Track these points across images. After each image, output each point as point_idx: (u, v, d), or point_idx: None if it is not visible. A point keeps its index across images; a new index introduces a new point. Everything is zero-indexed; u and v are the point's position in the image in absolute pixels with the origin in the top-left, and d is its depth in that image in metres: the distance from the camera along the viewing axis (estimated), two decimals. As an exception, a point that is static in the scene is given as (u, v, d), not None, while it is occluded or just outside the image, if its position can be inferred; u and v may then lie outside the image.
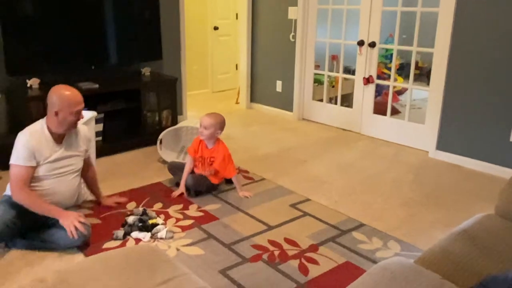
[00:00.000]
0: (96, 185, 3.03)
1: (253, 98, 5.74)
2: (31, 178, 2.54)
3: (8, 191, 2.58)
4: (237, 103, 6.00)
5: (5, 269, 2.33)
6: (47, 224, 2.58)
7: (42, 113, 3.50)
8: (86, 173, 2.94)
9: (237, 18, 6.63)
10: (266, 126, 4.98)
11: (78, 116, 2.61)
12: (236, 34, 6.58)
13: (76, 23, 3.95)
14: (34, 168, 2.53)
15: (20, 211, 2.47)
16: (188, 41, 4.96)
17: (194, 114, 5.37)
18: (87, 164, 2.91)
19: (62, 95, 2.56)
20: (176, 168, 3.37)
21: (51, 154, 2.59)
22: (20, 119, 3.70)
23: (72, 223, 2.46)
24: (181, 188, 3.21)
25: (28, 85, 3.78)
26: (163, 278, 1.54)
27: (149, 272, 1.57)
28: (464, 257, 1.66)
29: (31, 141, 2.51)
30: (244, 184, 3.43)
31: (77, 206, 2.91)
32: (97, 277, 1.52)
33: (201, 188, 3.19)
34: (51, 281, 1.49)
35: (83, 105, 2.63)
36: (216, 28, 6.54)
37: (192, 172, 3.28)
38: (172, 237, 2.66)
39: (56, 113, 2.55)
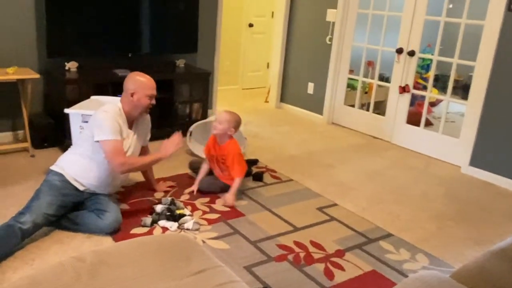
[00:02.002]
0: (151, 171, 3.14)
1: (283, 98, 5.75)
2: (94, 156, 2.60)
3: (54, 167, 2.63)
4: (266, 102, 6.03)
5: (35, 245, 2.41)
6: (78, 207, 2.66)
7: (78, 96, 3.62)
8: None
9: (272, 16, 6.65)
10: (295, 127, 4.99)
11: (151, 100, 2.75)
12: (271, 32, 6.61)
13: (117, 11, 4.03)
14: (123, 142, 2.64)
15: (61, 203, 2.52)
16: (222, 36, 5.01)
17: (223, 110, 5.40)
18: (145, 151, 3.01)
19: (138, 79, 2.73)
20: (196, 167, 3.39)
21: (125, 134, 2.69)
22: (56, 101, 3.81)
23: (176, 146, 2.77)
24: (194, 186, 3.21)
25: (66, 67, 3.87)
26: (198, 268, 1.57)
27: (185, 260, 1.60)
28: (502, 277, 1.64)
29: (116, 117, 2.61)
30: (271, 184, 3.45)
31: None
32: (133, 260, 1.56)
33: (215, 190, 3.19)
34: (89, 261, 1.54)
35: (155, 91, 2.76)
36: (251, 25, 6.58)
37: (210, 173, 3.28)
38: (198, 229, 2.70)
39: (132, 95, 2.68)
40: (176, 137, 2.79)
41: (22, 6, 3.67)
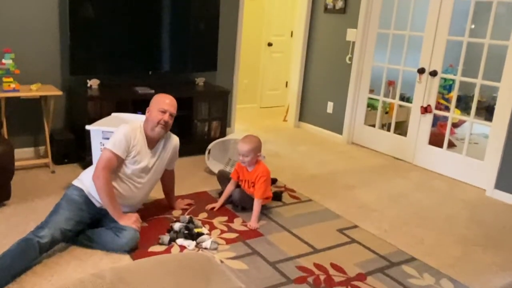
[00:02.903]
0: (173, 191, 3.16)
1: (301, 117, 5.75)
2: (116, 171, 2.64)
3: (76, 182, 2.68)
4: (284, 120, 6.04)
5: (54, 261, 2.42)
6: (96, 223, 2.68)
7: (99, 112, 3.68)
8: (167, 179, 3.07)
9: (291, 35, 6.71)
10: (314, 147, 4.97)
11: (164, 116, 2.70)
12: (289, 51, 6.66)
13: (138, 30, 4.12)
14: (122, 161, 2.64)
15: (79, 219, 2.55)
16: (241, 55, 5.06)
17: (242, 128, 5.44)
18: (169, 174, 3.04)
19: (156, 96, 2.79)
20: (224, 178, 3.40)
21: (142, 155, 2.70)
22: (78, 117, 3.88)
23: (134, 223, 2.61)
24: (218, 204, 3.23)
25: (88, 85, 3.95)
26: (218, 288, 1.56)
27: (204, 280, 1.59)
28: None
29: (132, 133, 2.65)
30: (290, 204, 3.43)
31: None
32: (153, 279, 1.56)
33: (246, 205, 3.19)
34: (109, 278, 1.53)
35: (171, 108, 2.74)
36: (270, 44, 6.64)
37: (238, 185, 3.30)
38: (216, 248, 2.69)
39: (148, 112, 2.73)
40: (135, 218, 2.67)
41: (46, 25, 3.78)
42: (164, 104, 2.73)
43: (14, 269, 2.23)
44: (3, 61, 3.36)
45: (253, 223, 3.00)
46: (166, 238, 2.70)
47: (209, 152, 3.95)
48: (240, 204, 3.18)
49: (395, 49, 4.78)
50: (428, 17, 4.36)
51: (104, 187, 2.55)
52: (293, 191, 3.67)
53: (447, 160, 4.33)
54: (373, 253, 2.80)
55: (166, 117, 2.71)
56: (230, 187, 3.27)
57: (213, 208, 3.19)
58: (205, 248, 2.69)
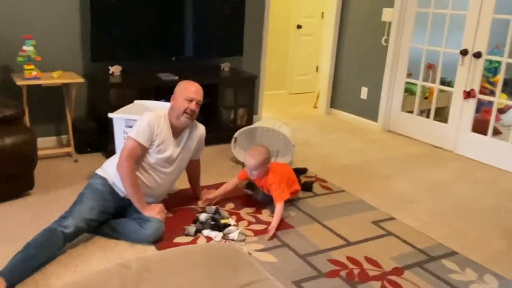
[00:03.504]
0: (198, 181, 3.21)
1: (333, 104, 5.71)
2: (140, 161, 2.70)
3: (100, 171, 2.75)
4: (315, 107, 6.01)
5: (78, 251, 2.50)
6: (121, 213, 2.74)
7: (121, 100, 3.75)
8: (192, 169, 3.13)
9: (322, 17, 6.64)
10: (346, 135, 4.93)
11: (191, 105, 2.71)
12: (320, 34, 6.60)
13: (161, 14, 4.16)
14: (145, 150, 2.69)
15: (103, 209, 2.62)
16: (269, 39, 5.05)
17: (269, 115, 5.44)
18: (194, 163, 3.09)
19: (181, 83, 2.81)
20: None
21: (167, 144, 2.74)
22: (100, 105, 3.96)
23: (159, 214, 2.66)
24: (211, 195, 3.15)
25: (110, 71, 4.02)
26: (246, 279, 1.58)
27: (232, 271, 1.61)
28: None
29: (155, 122, 2.69)
30: (321, 194, 3.42)
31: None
32: (179, 269, 1.59)
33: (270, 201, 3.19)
34: (135, 268, 1.58)
35: (198, 96, 2.75)
36: (299, 27, 6.60)
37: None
38: (244, 240, 2.71)
39: (173, 100, 2.75)
40: (159, 209, 2.71)
41: (67, 11, 3.86)
42: (190, 92, 2.73)
43: (39, 259, 2.31)
44: (24, 48, 3.45)
45: (271, 229, 2.78)
46: (192, 229, 2.74)
47: (235, 141, 3.97)
48: (264, 203, 3.19)
49: (435, 30, 4.67)
50: (472, -7, 4.25)
51: (128, 176, 2.60)
52: (324, 181, 3.66)
53: (491, 149, 4.22)
54: (410, 246, 2.77)
55: (192, 105, 2.72)
56: (229, 187, 3.17)
57: (207, 199, 3.12)
58: (232, 240, 2.72)
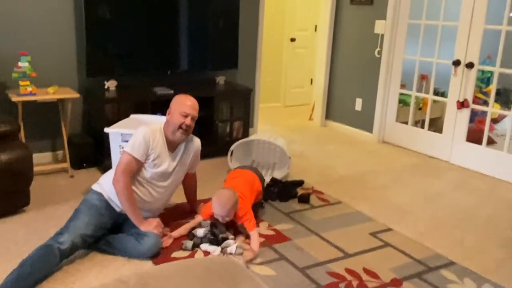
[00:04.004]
0: (195, 195, 3.20)
1: (328, 116, 5.73)
2: (135, 175, 2.69)
3: (95, 186, 2.74)
4: (310, 119, 6.02)
5: (75, 267, 2.47)
6: (117, 229, 2.73)
7: (117, 114, 3.75)
8: (188, 183, 3.12)
9: (315, 30, 6.70)
10: (342, 146, 4.94)
11: (186, 120, 2.70)
12: (314, 46, 6.65)
13: (156, 29, 4.18)
14: (141, 164, 2.68)
15: (99, 224, 2.60)
16: (263, 52, 5.08)
17: (265, 128, 5.45)
18: (190, 177, 3.08)
19: (177, 98, 2.80)
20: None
21: (163, 158, 2.73)
22: (95, 120, 3.96)
23: (156, 228, 2.65)
24: (175, 232, 2.85)
25: (106, 86, 4.03)
26: (246, 293, 1.56)
27: (231, 285, 1.60)
28: None
29: (151, 136, 2.68)
30: (319, 206, 3.42)
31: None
32: (178, 283, 1.58)
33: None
34: (133, 283, 1.56)
35: (193, 111, 2.75)
36: (293, 40, 6.64)
37: None
38: (241, 253, 2.70)
39: (169, 114, 2.74)
40: (156, 223, 2.69)
41: (62, 27, 3.87)
42: (185, 107, 2.73)
43: (35, 276, 2.28)
44: (19, 64, 3.45)
45: (253, 255, 2.69)
46: (189, 243, 2.72)
47: (231, 154, 3.97)
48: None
49: (427, 41, 4.72)
50: (463, 5, 4.30)
51: (124, 191, 2.59)
52: (321, 193, 3.66)
53: (487, 158, 4.24)
54: (408, 257, 2.77)
55: (188, 121, 2.72)
56: (191, 225, 2.92)
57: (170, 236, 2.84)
58: (230, 253, 2.70)
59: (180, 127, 2.71)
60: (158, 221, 2.72)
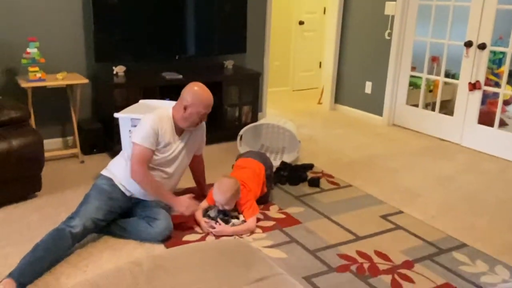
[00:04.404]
0: (203, 178, 3.22)
1: (337, 99, 5.69)
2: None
3: (105, 171, 2.75)
4: (319, 103, 5.99)
5: (87, 251, 2.50)
6: (128, 213, 2.74)
7: (126, 100, 3.74)
8: (196, 166, 3.13)
9: (324, 12, 6.62)
10: (352, 130, 4.92)
11: (202, 119, 2.77)
12: (323, 29, 6.59)
13: (163, 14, 4.15)
14: (153, 152, 2.68)
15: (109, 208, 2.61)
16: (271, 35, 5.03)
17: (273, 112, 5.43)
18: (198, 159, 3.09)
19: (197, 93, 2.72)
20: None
21: (171, 143, 2.74)
22: (105, 105, 3.96)
23: (187, 209, 2.70)
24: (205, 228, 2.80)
25: (114, 72, 4.02)
26: (259, 275, 1.57)
27: (244, 267, 1.61)
28: None
29: (159, 123, 2.67)
30: (329, 190, 3.42)
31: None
32: (192, 266, 1.59)
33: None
34: (147, 266, 1.57)
35: (210, 109, 2.77)
36: (301, 23, 6.58)
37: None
38: (248, 235, 2.71)
39: (185, 108, 2.70)
40: (187, 204, 2.73)
41: (70, 12, 3.85)
42: (206, 106, 2.73)
43: (48, 260, 2.31)
44: (28, 50, 3.45)
45: (224, 228, 2.71)
46: (212, 212, 2.76)
47: (241, 138, 3.96)
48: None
49: (438, 22, 4.65)
50: (475, -16, 4.22)
51: (145, 180, 2.62)
52: (331, 176, 3.65)
53: (498, 140, 4.20)
54: (420, 239, 2.76)
55: (204, 118, 2.79)
56: (200, 213, 2.88)
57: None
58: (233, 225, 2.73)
59: (196, 124, 2.77)
60: (190, 200, 2.73)
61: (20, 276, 2.17)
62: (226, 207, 2.81)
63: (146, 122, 2.67)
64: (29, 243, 2.37)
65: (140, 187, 2.63)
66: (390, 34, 4.93)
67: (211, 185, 3.29)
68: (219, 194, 2.78)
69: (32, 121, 3.54)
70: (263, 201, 3.13)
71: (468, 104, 4.41)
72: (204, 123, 2.99)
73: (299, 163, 3.85)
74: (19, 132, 2.95)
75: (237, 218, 2.81)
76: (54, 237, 2.37)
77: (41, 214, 2.89)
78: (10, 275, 2.16)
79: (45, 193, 3.15)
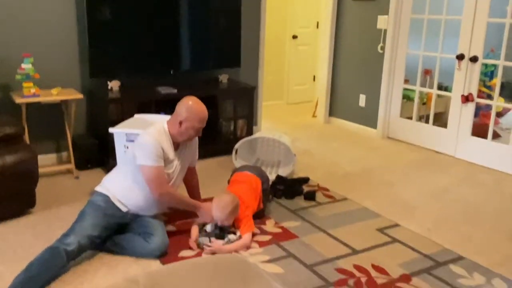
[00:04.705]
0: (198, 190, 3.20)
1: (332, 112, 5.71)
2: (141, 178, 2.66)
3: (99, 188, 2.73)
4: (314, 116, 6.00)
5: (83, 268, 2.47)
6: (123, 229, 2.72)
7: (121, 114, 3.74)
8: (190, 179, 3.12)
9: (317, 27, 6.68)
10: (347, 143, 4.92)
11: (198, 133, 2.79)
12: (316, 43, 6.63)
13: (158, 29, 4.17)
14: (163, 168, 2.68)
15: (105, 225, 2.59)
16: (265, 49, 5.06)
17: (268, 126, 5.44)
18: (192, 172, 3.08)
19: (192, 108, 2.72)
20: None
21: (173, 159, 2.74)
22: (99, 120, 3.95)
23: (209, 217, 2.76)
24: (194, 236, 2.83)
25: (109, 87, 4.01)
26: (256, 291, 1.55)
27: (241, 283, 1.59)
28: None
29: (160, 141, 2.66)
30: (325, 203, 3.41)
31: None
32: (189, 282, 1.57)
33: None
34: (142, 283, 1.55)
35: (205, 124, 2.79)
36: (295, 37, 6.62)
37: None
38: (245, 250, 2.69)
39: (181, 123, 2.70)
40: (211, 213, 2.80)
41: (64, 28, 3.86)
42: (201, 121, 2.74)
43: (42, 279, 2.28)
44: (23, 65, 3.45)
45: (221, 247, 2.68)
46: (205, 239, 2.72)
47: (236, 152, 3.96)
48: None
49: (430, 35, 4.70)
50: (466, -2, 4.28)
51: (173, 198, 2.72)
52: (327, 190, 3.65)
53: (492, 152, 4.22)
54: (417, 252, 2.75)
55: (199, 133, 2.81)
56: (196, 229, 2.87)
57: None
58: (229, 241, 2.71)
59: (192, 138, 2.82)
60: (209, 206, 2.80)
61: (14, 295, 2.14)
62: (225, 223, 2.79)
63: (149, 142, 2.62)
64: (23, 262, 2.34)
65: (172, 205, 2.74)
66: (383, 48, 4.97)
67: (206, 199, 3.29)
68: (218, 211, 2.75)
69: (26, 137, 3.52)
70: (260, 215, 3.11)
71: (462, 116, 4.44)
72: (197, 138, 2.99)
73: (294, 176, 3.85)
74: (13, 148, 2.93)
75: (234, 233, 2.79)
76: (48, 256, 2.34)
77: (35, 231, 2.86)
78: (4, 294, 2.13)
79: (39, 210, 3.12)
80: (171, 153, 2.72)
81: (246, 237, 2.78)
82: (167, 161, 2.69)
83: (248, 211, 2.90)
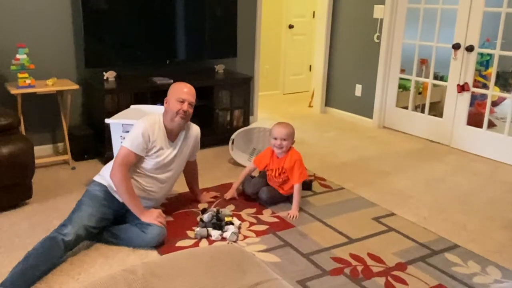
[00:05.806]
0: (197, 183, 3.19)
1: (328, 102, 5.71)
2: (136, 169, 2.69)
3: (97, 177, 2.73)
4: (310, 106, 6.00)
5: (80, 259, 2.47)
6: (121, 219, 2.72)
7: (117, 105, 3.72)
8: (189, 171, 3.11)
9: (313, 16, 6.64)
10: (343, 133, 4.93)
11: (183, 106, 2.69)
12: (312, 33, 6.60)
13: (153, 18, 4.13)
14: (140, 158, 2.68)
15: (102, 215, 2.59)
16: (261, 39, 5.03)
17: (265, 116, 5.43)
18: (191, 163, 3.07)
19: (173, 85, 2.79)
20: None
21: (164, 148, 2.73)
22: (95, 111, 3.93)
23: (156, 219, 2.63)
24: (233, 192, 3.26)
25: (105, 77, 3.99)
26: (253, 280, 1.56)
27: (239, 272, 1.60)
28: None
29: (150, 130, 2.66)
30: (321, 193, 3.42)
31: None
32: (186, 272, 1.57)
33: (276, 200, 3.19)
34: (141, 273, 1.56)
35: (190, 97, 2.73)
36: (291, 27, 6.59)
37: (267, 183, 3.26)
38: (235, 240, 2.70)
39: (167, 103, 2.73)
40: (157, 214, 2.68)
41: (60, 18, 3.83)
42: (182, 93, 2.72)
43: (40, 269, 2.28)
44: (18, 56, 3.42)
45: (294, 211, 3.04)
46: (202, 231, 2.72)
47: (232, 142, 3.95)
48: (270, 201, 3.17)
49: (427, 25, 4.68)
50: (462, -13, 4.26)
51: (122, 183, 2.58)
52: (323, 179, 3.65)
53: (488, 141, 4.24)
54: (412, 241, 2.77)
55: (185, 106, 2.70)
56: (248, 171, 3.32)
57: (233, 198, 3.24)
58: (224, 239, 2.72)
59: (177, 113, 2.69)
60: (159, 212, 2.70)
61: (12, 285, 2.14)
62: (284, 143, 3.08)
63: (137, 128, 2.66)
64: (21, 252, 2.34)
65: (116, 188, 2.60)
66: (379, 37, 4.96)
67: (204, 190, 3.30)
68: (281, 128, 3.10)
69: (22, 128, 3.50)
70: (309, 186, 3.45)
71: (457, 105, 4.45)
72: (198, 129, 2.98)
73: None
74: (9, 139, 2.91)
75: (232, 223, 2.79)
76: (46, 246, 2.34)
77: (32, 222, 2.85)
78: (2, 284, 2.13)
79: (36, 201, 3.12)
80: (162, 142, 2.72)
81: (297, 187, 3.09)
82: (156, 151, 2.69)
83: (299, 155, 3.14)
